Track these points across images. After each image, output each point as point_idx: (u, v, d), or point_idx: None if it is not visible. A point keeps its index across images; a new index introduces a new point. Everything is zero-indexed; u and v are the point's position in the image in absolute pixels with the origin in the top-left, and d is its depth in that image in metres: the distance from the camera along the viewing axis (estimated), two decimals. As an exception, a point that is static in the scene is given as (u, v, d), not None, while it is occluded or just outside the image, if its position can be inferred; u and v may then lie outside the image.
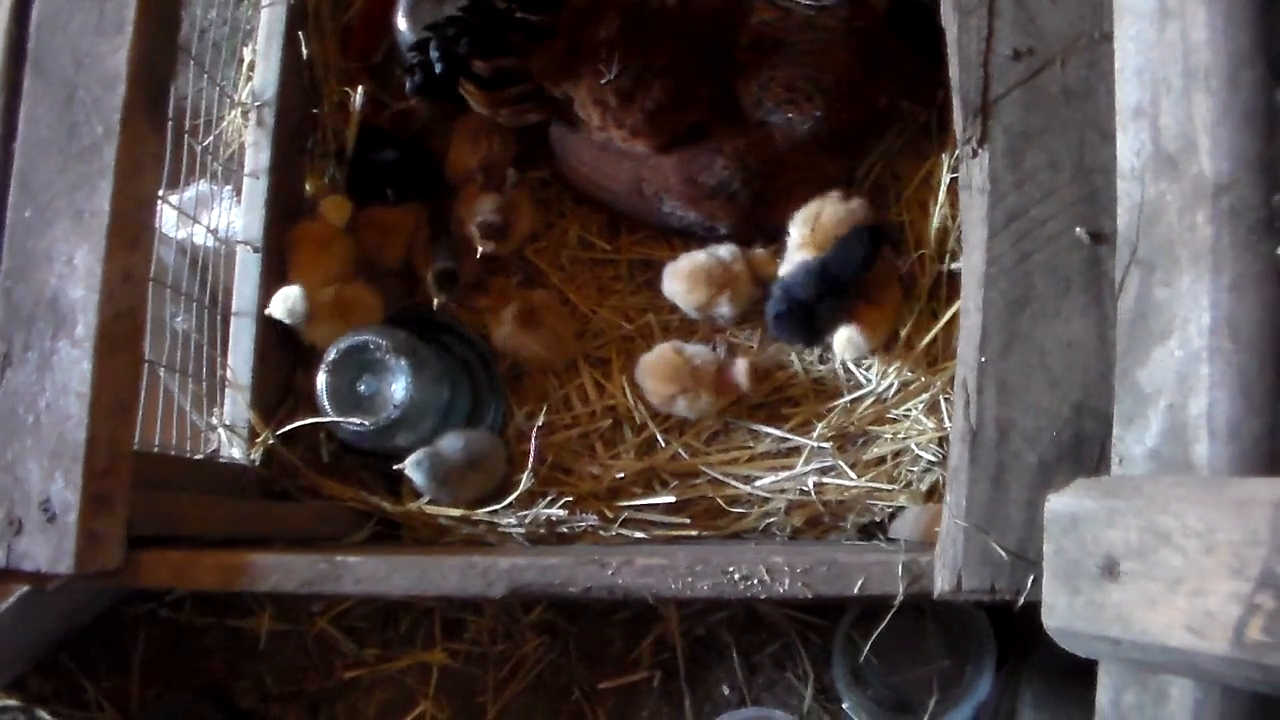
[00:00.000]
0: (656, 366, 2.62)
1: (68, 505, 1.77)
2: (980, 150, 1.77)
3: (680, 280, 2.66)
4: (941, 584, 1.74)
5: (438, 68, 2.36)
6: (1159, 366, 1.59)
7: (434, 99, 2.64)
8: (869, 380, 2.68)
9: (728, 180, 2.57)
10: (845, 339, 2.56)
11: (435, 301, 2.64)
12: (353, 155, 2.77)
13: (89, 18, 1.90)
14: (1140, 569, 1.40)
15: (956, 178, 2.59)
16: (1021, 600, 1.69)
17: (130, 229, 1.86)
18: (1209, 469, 1.50)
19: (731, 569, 1.80)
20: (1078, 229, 1.74)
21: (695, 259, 2.66)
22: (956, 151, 2.49)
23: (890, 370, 2.65)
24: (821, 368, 2.70)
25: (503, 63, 2.42)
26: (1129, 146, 1.68)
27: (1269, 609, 1.24)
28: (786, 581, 1.80)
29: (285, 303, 2.54)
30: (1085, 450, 1.70)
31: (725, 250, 2.67)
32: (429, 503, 2.55)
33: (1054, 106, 1.77)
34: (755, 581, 1.80)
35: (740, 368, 2.61)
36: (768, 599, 1.81)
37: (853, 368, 2.69)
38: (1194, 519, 1.35)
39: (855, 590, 1.80)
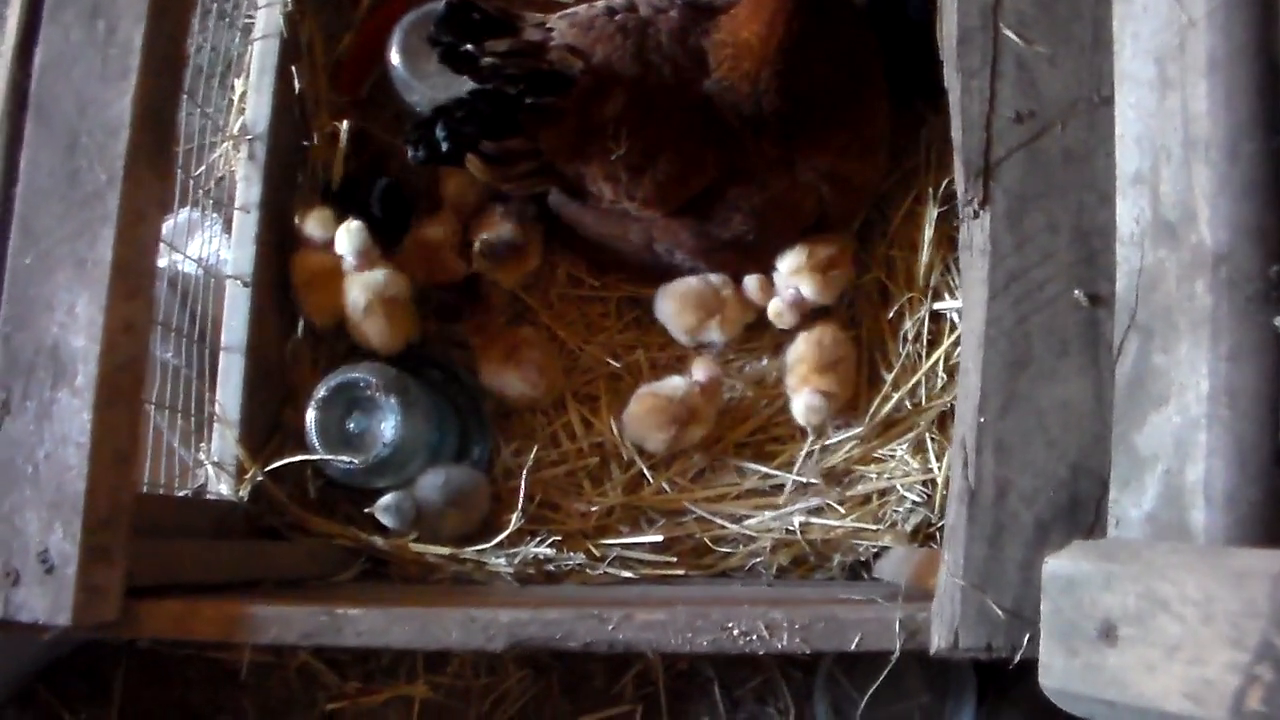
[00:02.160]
0: (645, 416, 2.63)
1: (66, 557, 1.75)
2: (981, 212, 1.79)
3: (673, 300, 2.70)
4: (938, 641, 1.75)
5: (444, 147, 2.36)
6: (1156, 432, 1.61)
7: (438, 166, 2.66)
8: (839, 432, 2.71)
9: (744, 234, 2.60)
10: (804, 405, 2.61)
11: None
12: (339, 189, 2.77)
13: (93, 64, 1.90)
14: (1138, 634, 1.42)
15: (943, 212, 2.62)
16: (1017, 659, 1.70)
17: (132, 278, 1.86)
18: (1206, 536, 1.52)
19: (731, 624, 1.81)
20: (1076, 291, 1.76)
21: (688, 283, 2.69)
22: (944, 187, 2.55)
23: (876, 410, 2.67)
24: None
25: (510, 143, 2.42)
26: (1129, 212, 1.70)
27: (1268, 680, 1.26)
28: (785, 637, 1.81)
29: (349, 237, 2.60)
30: (1081, 511, 1.72)
31: (717, 276, 2.70)
32: (416, 540, 2.55)
33: (1054, 169, 1.79)
34: (754, 637, 1.81)
35: (699, 365, 2.65)
36: (766, 654, 1.83)
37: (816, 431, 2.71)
38: (1192, 587, 1.36)
39: (852, 646, 1.81)
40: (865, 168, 2.60)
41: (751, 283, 2.69)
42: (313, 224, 2.64)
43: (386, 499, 2.53)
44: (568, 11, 2.54)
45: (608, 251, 2.76)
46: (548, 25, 2.50)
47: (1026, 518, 1.73)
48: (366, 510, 2.55)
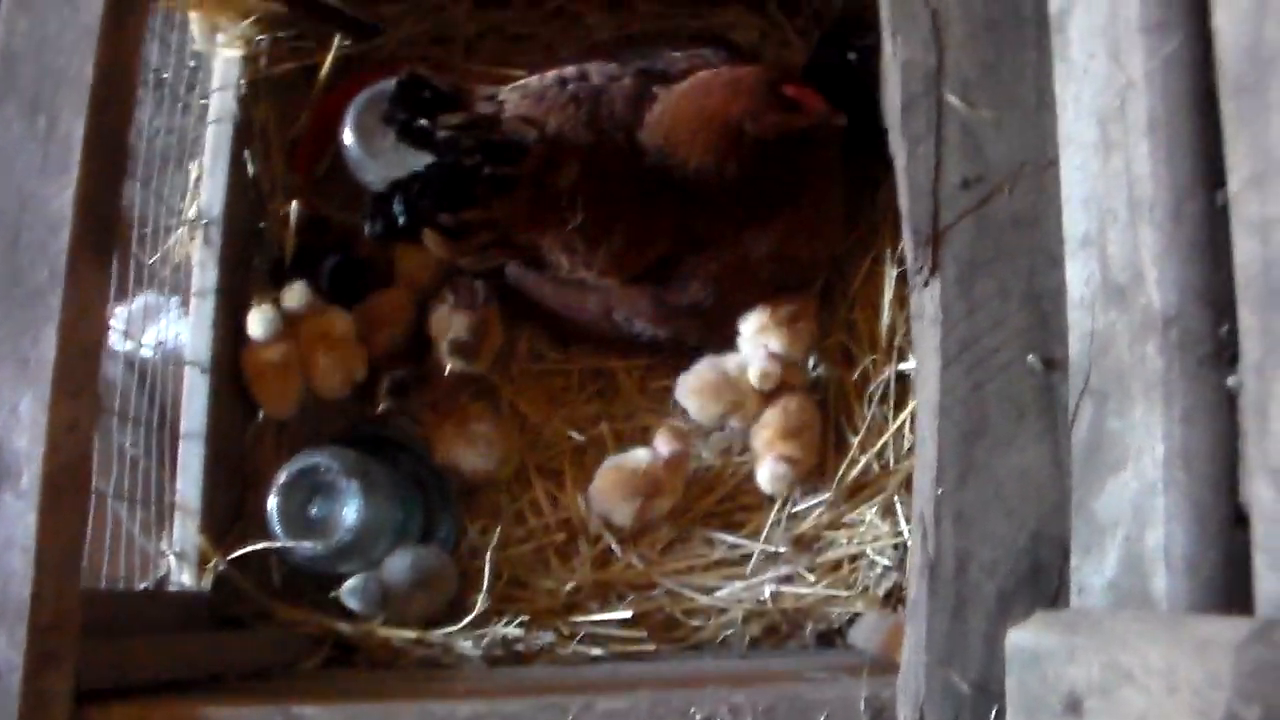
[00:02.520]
0: (610, 489, 2.61)
1: (11, 665, 1.71)
2: (932, 280, 1.77)
3: (695, 396, 2.70)
4: (904, 718, 1.72)
5: (401, 220, 2.34)
6: (1114, 498, 1.59)
7: (394, 242, 2.64)
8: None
9: (701, 300, 2.59)
10: (769, 473, 2.59)
11: (381, 406, 2.62)
12: (290, 265, 2.76)
13: (33, 159, 1.88)
14: (1103, 707, 1.39)
15: (903, 271, 2.60)
16: (985, 734, 1.68)
17: (76, 376, 1.83)
18: (1168, 603, 1.49)
19: (693, 710, 1.78)
20: (1030, 357, 1.74)
21: (703, 376, 2.69)
22: (900, 249, 2.55)
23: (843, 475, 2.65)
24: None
25: (467, 215, 2.41)
26: (1078, 275, 1.69)
27: (1235, 753, 1.23)
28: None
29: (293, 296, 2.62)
30: (1043, 579, 1.70)
31: (733, 363, 2.69)
32: (383, 623, 2.52)
33: (1003, 234, 1.78)
34: (717, 720, 1.79)
35: (662, 438, 2.64)
36: (731, 737, 1.80)
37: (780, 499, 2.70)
38: (1156, 658, 1.34)
39: (818, 727, 1.78)
40: (813, 247, 2.59)
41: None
42: (254, 323, 2.61)
43: (351, 582, 2.51)
44: (519, 83, 2.54)
45: (567, 321, 2.75)
46: (499, 98, 2.49)
47: (989, 589, 1.70)
48: (332, 595, 2.52)
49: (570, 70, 2.58)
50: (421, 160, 2.44)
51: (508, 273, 2.71)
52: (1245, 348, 1.40)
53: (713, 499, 2.71)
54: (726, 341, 2.73)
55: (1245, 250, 1.38)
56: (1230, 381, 1.48)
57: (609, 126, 2.50)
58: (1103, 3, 1.68)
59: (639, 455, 2.65)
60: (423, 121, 2.36)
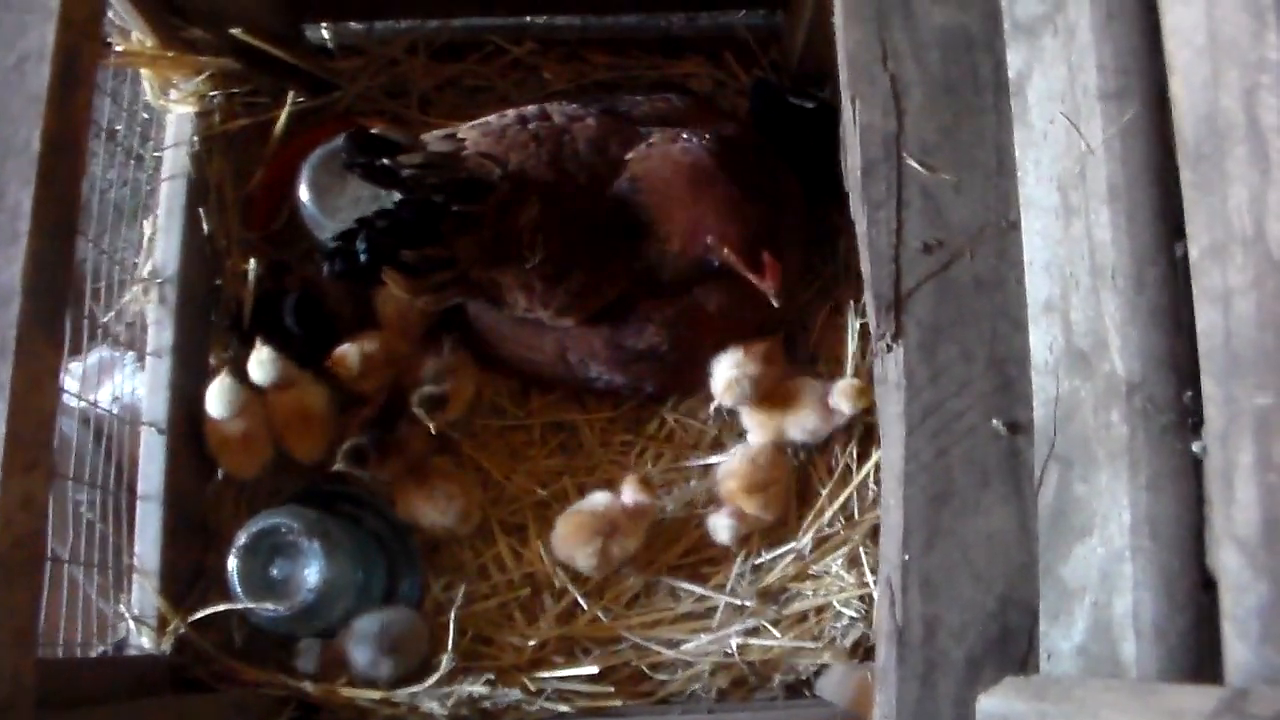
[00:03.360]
0: (570, 534, 2.60)
1: (-34, 748, 1.69)
2: (895, 345, 1.78)
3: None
4: (875, 785, 1.72)
5: (363, 258, 2.32)
6: (1081, 563, 1.60)
7: (353, 282, 2.61)
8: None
9: (657, 345, 2.59)
10: (715, 525, 2.63)
11: (338, 467, 2.60)
12: (250, 324, 2.73)
13: (-19, 230, 1.86)
14: (1075, 775, 1.40)
15: (865, 323, 2.61)
16: (956, 800, 1.67)
17: (28, 451, 1.80)
18: (1137, 669, 1.49)
19: (669, 770, 1.77)
20: (994, 420, 1.74)
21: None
22: (863, 300, 2.55)
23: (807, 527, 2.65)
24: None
25: (429, 252, 2.39)
26: (1041, 341, 1.69)
27: (1207, 823, 1.23)
28: (721, 784, 1.78)
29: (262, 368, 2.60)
30: (1012, 643, 1.69)
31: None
32: (347, 684, 2.49)
33: (965, 297, 1.78)
34: (690, 784, 1.78)
35: (629, 487, 2.61)
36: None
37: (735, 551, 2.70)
38: (1126, 728, 1.34)
39: (790, 793, 1.77)
40: (763, 309, 2.58)
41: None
42: (214, 402, 2.58)
43: (301, 645, 2.52)
44: (478, 121, 2.54)
45: (525, 364, 2.74)
46: (458, 135, 2.48)
47: (957, 654, 1.70)
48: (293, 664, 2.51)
49: (531, 109, 2.58)
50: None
51: (468, 310, 2.70)
52: (1209, 416, 1.41)
53: (677, 551, 2.70)
54: (685, 389, 2.73)
55: (1207, 320, 1.39)
56: (1196, 447, 1.49)
57: (571, 166, 2.51)
58: (1061, 69, 1.69)
59: (597, 499, 2.64)
60: (385, 161, 2.34)
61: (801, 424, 2.65)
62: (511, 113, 2.57)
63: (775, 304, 2.43)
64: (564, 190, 2.48)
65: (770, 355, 2.64)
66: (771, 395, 2.67)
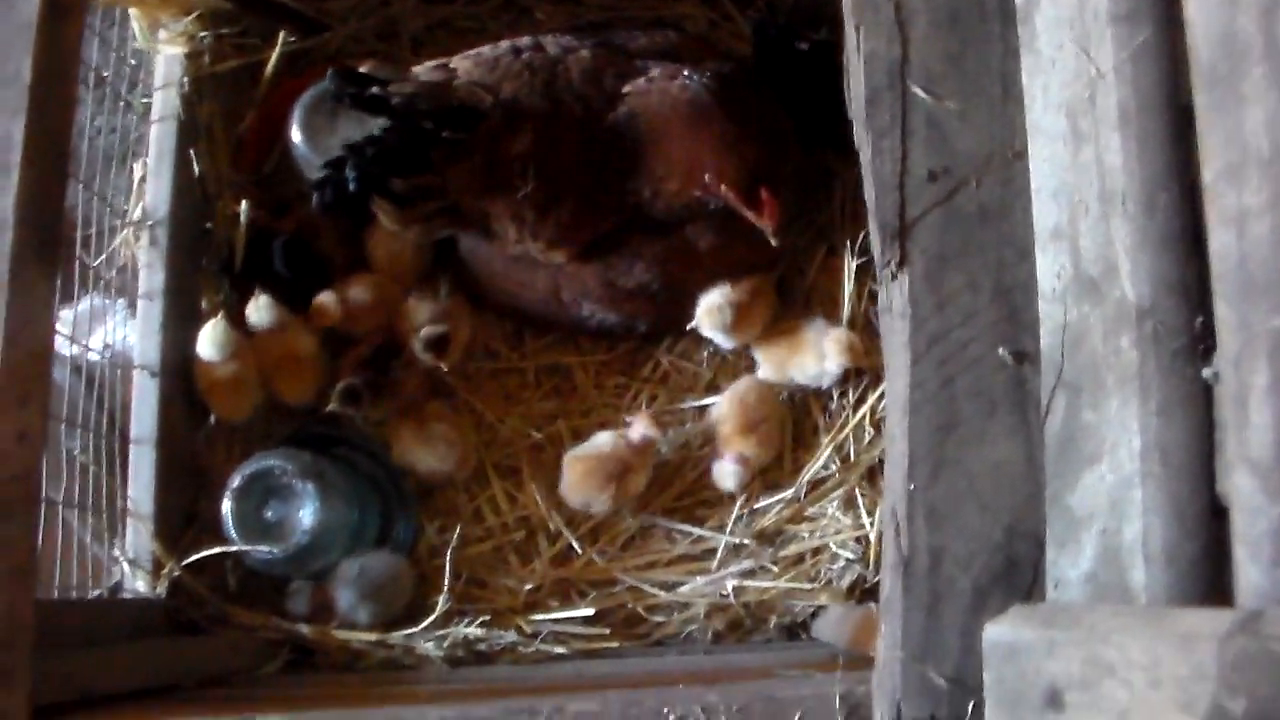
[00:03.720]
0: (581, 481, 2.59)
1: (-37, 685, 1.67)
2: (900, 274, 1.76)
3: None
4: (880, 715, 1.71)
5: (352, 186, 2.29)
6: (1090, 491, 1.58)
7: (342, 215, 2.58)
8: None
9: (648, 282, 2.57)
10: (722, 471, 2.63)
11: (330, 407, 2.58)
12: (242, 267, 2.71)
13: (-29, 162, 1.83)
14: (1085, 701, 1.38)
15: (864, 263, 2.60)
16: (963, 729, 1.67)
17: (23, 384, 1.79)
18: (1147, 595, 1.49)
19: (666, 710, 1.75)
20: (1000, 350, 1.73)
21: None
22: (861, 239, 2.54)
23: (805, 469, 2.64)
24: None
25: (419, 180, 2.37)
26: (1049, 268, 1.68)
27: (1221, 746, 1.23)
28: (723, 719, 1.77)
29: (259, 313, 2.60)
30: (1018, 574, 1.68)
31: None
32: (340, 626, 2.49)
33: (971, 226, 1.76)
34: (691, 721, 1.77)
35: (641, 421, 2.61)
36: (706, 738, 1.78)
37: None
38: (1137, 652, 1.33)
39: (793, 725, 1.77)
40: (755, 249, 2.56)
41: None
42: (205, 345, 2.56)
43: (291, 587, 2.52)
44: (470, 52, 2.52)
45: (518, 302, 2.73)
46: (450, 65, 2.46)
47: (963, 584, 1.69)
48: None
49: (525, 40, 2.57)
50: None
51: (461, 246, 2.68)
52: (1222, 340, 1.39)
53: (672, 494, 2.70)
54: (677, 327, 2.70)
55: (1221, 242, 1.38)
56: (1207, 373, 1.47)
57: (565, 97, 2.49)
58: (1070, -6, 1.67)
59: (601, 440, 2.63)
60: (374, 89, 2.32)
61: (804, 367, 2.64)
62: (505, 43, 2.55)
63: (774, 242, 2.41)
64: (557, 121, 2.46)
65: (759, 290, 2.63)
66: (774, 335, 2.67)
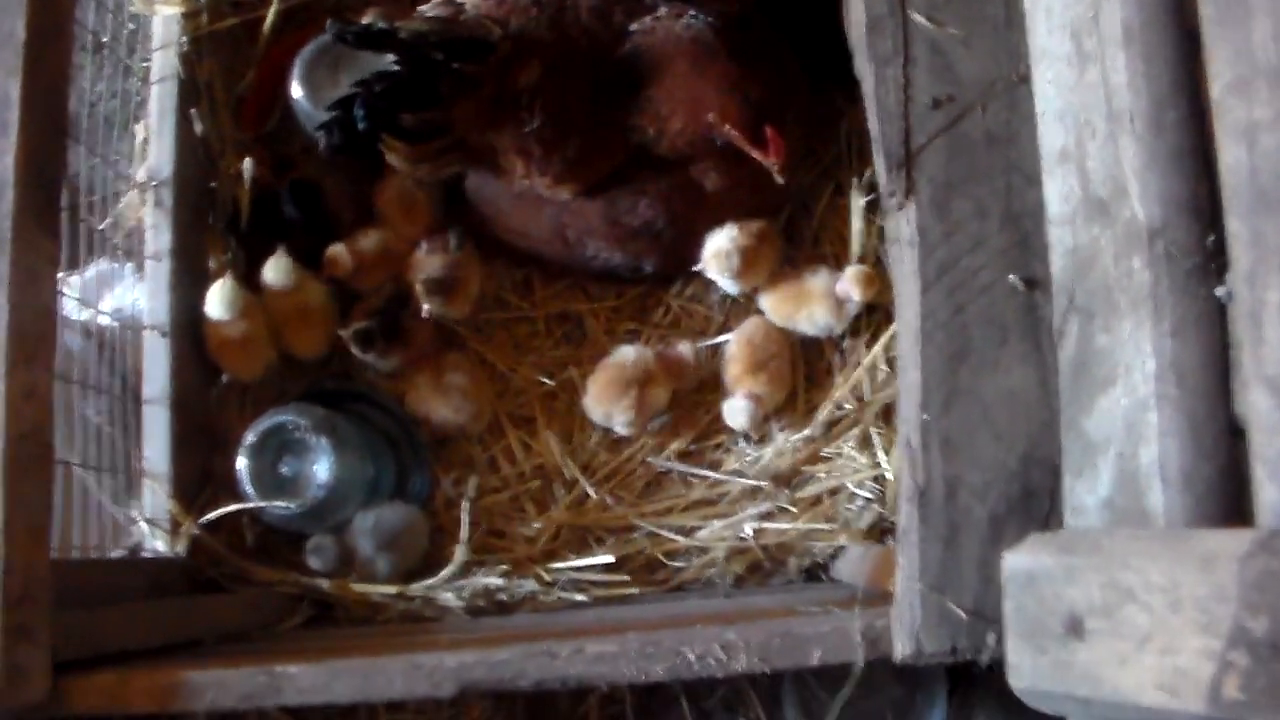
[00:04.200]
0: (602, 391, 2.60)
1: (-16, 639, 1.68)
2: (906, 202, 1.74)
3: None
4: (901, 648, 1.71)
5: (361, 124, 2.27)
6: (1105, 415, 1.57)
7: (350, 156, 2.53)
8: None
9: (653, 220, 2.55)
10: (732, 409, 2.59)
11: (349, 344, 2.58)
12: (248, 224, 2.69)
13: (-29, 121, 1.82)
14: (1106, 627, 1.38)
15: (872, 199, 2.57)
16: (985, 659, 1.66)
17: (29, 342, 1.78)
18: (1165, 518, 1.47)
19: (685, 649, 1.76)
20: (1011, 276, 1.71)
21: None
22: (867, 176, 2.51)
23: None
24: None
25: (429, 115, 2.35)
26: (1057, 191, 1.66)
27: (1243, 666, 1.22)
28: (742, 658, 1.76)
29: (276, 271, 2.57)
30: (1035, 502, 1.68)
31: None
32: (358, 580, 2.49)
33: (977, 153, 1.75)
34: (711, 660, 1.76)
35: (680, 344, 2.63)
36: (725, 677, 1.77)
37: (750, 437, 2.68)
38: (1157, 575, 1.32)
39: (814, 661, 1.76)
40: (763, 191, 2.54)
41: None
42: (213, 304, 2.54)
43: (311, 542, 2.50)
44: None
45: (523, 241, 2.71)
46: (457, 0, 2.44)
47: (980, 513, 1.69)
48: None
49: None
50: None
51: (467, 187, 2.67)
52: (1235, 256, 1.37)
53: (687, 438, 2.68)
54: (684, 269, 2.68)
55: (1231, 156, 1.36)
56: (1219, 292, 1.46)
57: (573, 32, 2.47)
58: (1071, -89, 1.65)
59: (624, 351, 2.62)
60: (381, 24, 2.30)
61: (813, 319, 2.62)
62: None
63: (780, 180, 2.40)
64: (565, 55, 2.45)
65: (765, 234, 2.60)
66: (779, 286, 2.64)
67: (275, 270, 2.56)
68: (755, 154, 2.38)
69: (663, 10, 2.51)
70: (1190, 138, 1.50)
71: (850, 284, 2.54)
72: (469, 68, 2.33)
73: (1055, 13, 1.69)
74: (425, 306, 2.57)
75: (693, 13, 2.49)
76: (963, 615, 1.67)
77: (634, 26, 2.50)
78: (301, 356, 2.66)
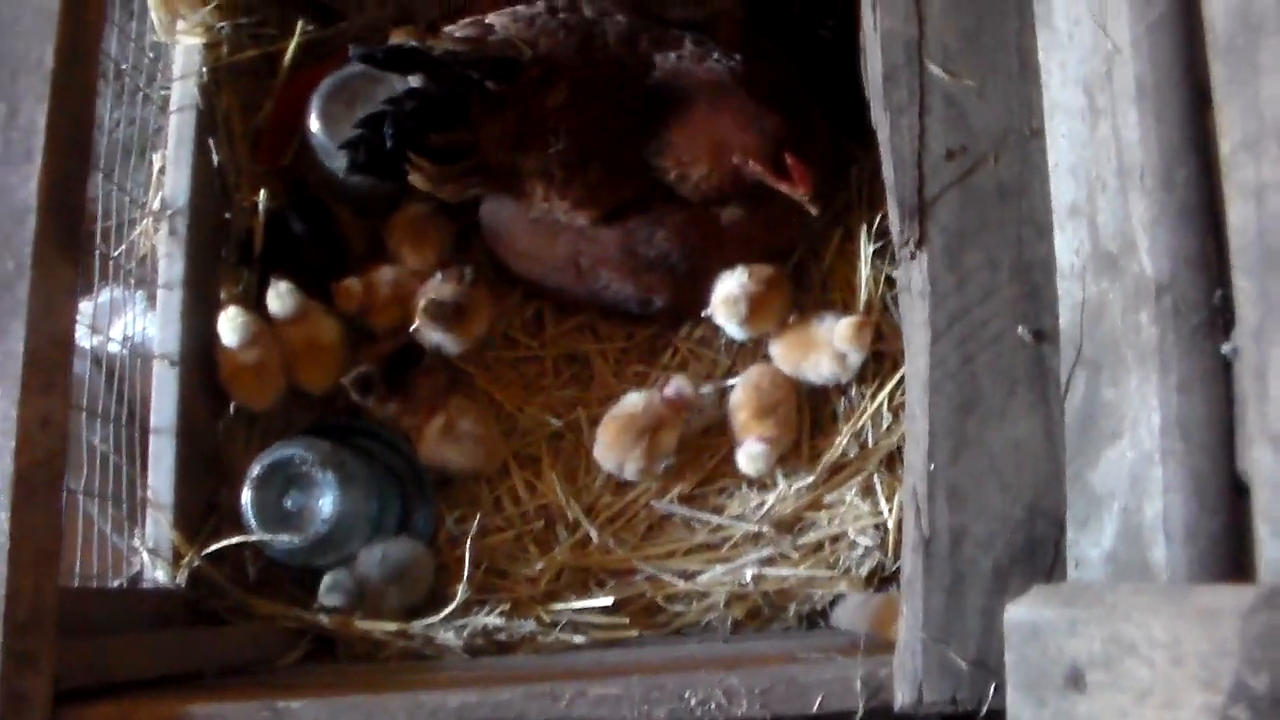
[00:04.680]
0: (613, 441, 2.59)
1: (-13, 665, 1.68)
2: (919, 252, 1.75)
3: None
4: (902, 697, 1.70)
5: (389, 142, 2.28)
6: (1111, 468, 1.57)
7: (375, 177, 2.52)
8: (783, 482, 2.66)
9: (669, 252, 2.56)
10: (746, 454, 2.58)
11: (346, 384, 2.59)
12: (262, 253, 2.71)
13: (-6, 147, 1.84)
14: (1107, 680, 1.37)
15: (881, 246, 2.59)
16: (984, 710, 1.66)
17: (46, 370, 1.79)
18: (1168, 573, 1.47)
19: (687, 694, 1.75)
20: (1020, 328, 1.72)
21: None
22: (878, 223, 2.53)
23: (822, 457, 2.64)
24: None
25: (457, 135, 2.37)
26: (1067, 245, 1.67)
27: (1244, 722, 1.21)
28: (744, 703, 1.75)
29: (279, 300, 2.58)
30: (1039, 553, 1.68)
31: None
32: (361, 617, 2.48)
33: (989, 204, 1.76)
34: (712, 705, 1.75)
35: (677, 379, 2.61)
36: (726, 720, 1.77)
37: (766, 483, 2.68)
38: (1159, 629, 1.32)
39: (814, 709, 1.75)
40: (779, 233, 2.56)
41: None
42: (225, 330, 2.56)
43: (326, 580, 2.49)
44: (505, 10, 2.51)
45: (536, 268, 2.71)
46: (486, 21, 2.46)
47: (984, 564, 1.69)
48: (316, 603, 2.51)
49: (561, 0, 2.56)
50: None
51: (482, 213, 2.68)
52: (1242, 313, 1.38)
53: (691, 482, 2.68)
54: (692, 308, 2.67)
55: (1240, 214, 1.36)
56: (1225, 348, 1.46)
57: (600, 58, 2.49)
58: (1086, -31, 1.66)
59: (632, 399, 2.62)
60: (413, 43, 2.31)
61: (819, 369, 2.63)
62: (541, 2, 2.54)
63: (814, 210, 2.41)
64: (591, 79, 2.47)
65: (774, 281, 2.61)
66: (788, 333, 2.65)
67: (276, 298, 2.57)
68: (784, 188, 2.39)
69: (688, 47, 2.52)
70: (1200, 194, 1.51)
71: (843, 341, 2.55)
72: (499, 88, 2.34)
73: (1069, 67, 1.70)
74: (419, 325, 2.58)
75: (716, 55, 2.50)
76: (964, 666, 1.66)
77: (658, 59, 2.52)
78: (311, 391, 2.66)
